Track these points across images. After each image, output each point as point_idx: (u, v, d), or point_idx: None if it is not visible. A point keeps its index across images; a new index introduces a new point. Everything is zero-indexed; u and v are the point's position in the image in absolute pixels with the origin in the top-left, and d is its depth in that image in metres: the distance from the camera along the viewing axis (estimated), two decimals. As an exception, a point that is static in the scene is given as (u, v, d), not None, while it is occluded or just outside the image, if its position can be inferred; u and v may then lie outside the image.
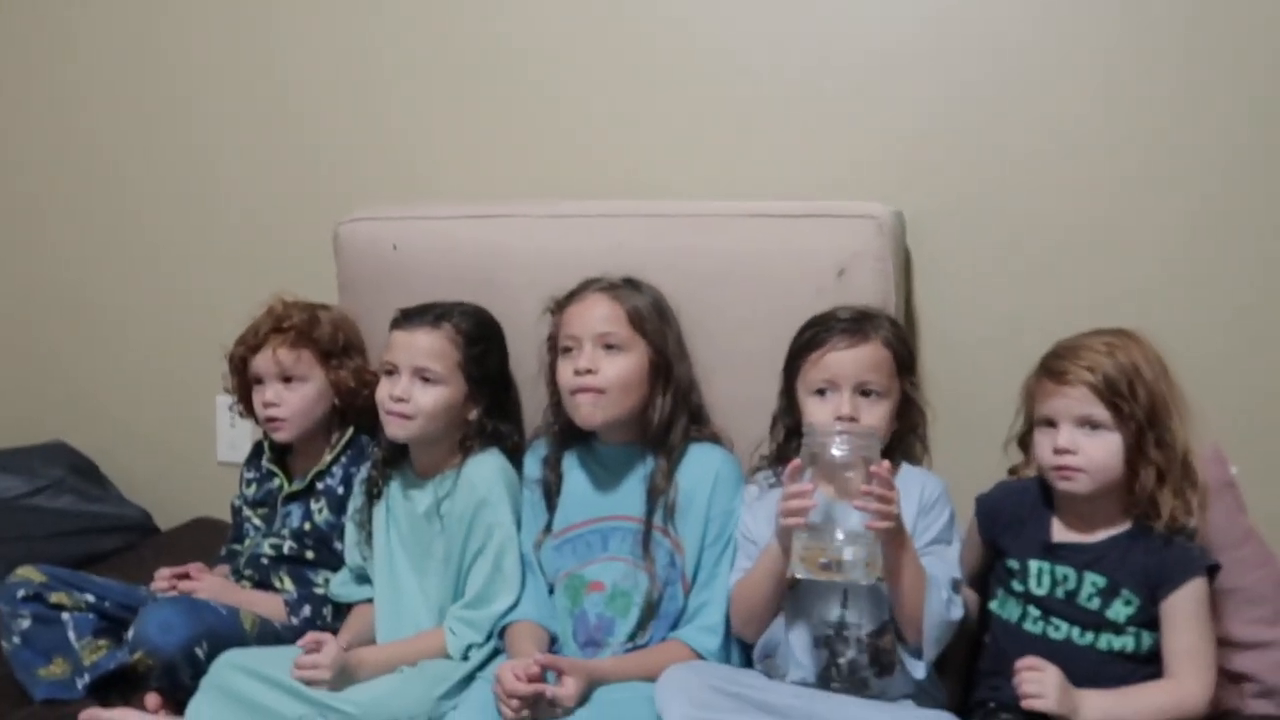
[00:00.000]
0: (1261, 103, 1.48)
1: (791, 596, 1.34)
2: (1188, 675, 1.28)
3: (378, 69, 1.93)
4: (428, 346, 1.50)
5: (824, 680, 1.32)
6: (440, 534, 1.52)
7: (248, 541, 1.69)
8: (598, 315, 1.44)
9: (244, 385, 1.69)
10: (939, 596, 1.26)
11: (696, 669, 1.32)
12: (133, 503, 2.08)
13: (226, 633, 1.44)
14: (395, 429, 1.50)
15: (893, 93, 1.61)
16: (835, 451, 1.21)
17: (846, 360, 1.33)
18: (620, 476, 1.48)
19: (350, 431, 1.68)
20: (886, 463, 1.22)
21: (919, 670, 1.28)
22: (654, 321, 1.46)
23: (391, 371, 1.51)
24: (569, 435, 1.52)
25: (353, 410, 1.68)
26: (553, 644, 1.44)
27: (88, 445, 2.13)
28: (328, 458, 1.67)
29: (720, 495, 1.44)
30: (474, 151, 1.86)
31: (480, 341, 1.54)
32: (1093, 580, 1.32)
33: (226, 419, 2.10)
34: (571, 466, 1.52)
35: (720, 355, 1.55)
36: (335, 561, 1.64)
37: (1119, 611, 1.31)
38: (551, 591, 1.49)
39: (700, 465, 1.45)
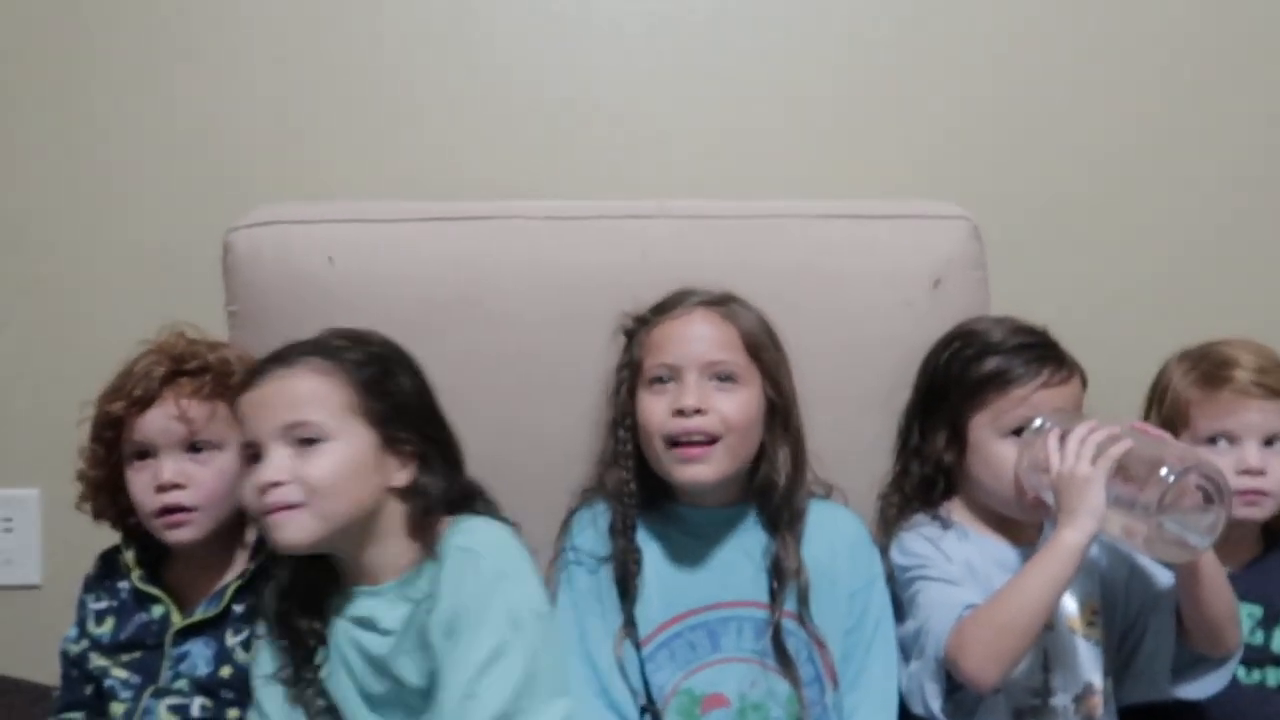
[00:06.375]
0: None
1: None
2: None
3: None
4: (293, 393, 1.02)
5: (1031, 762, 1.07)
6: (422, 658, 1.03)
7: (116, 705, 1.10)
8: (706, 337, 1.10)
9: (109, 464, 1.11)
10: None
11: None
12: None
13: None
14: (290, 533, 1.00)
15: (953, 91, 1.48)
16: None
17: (1059, 399, 1.10)
18: (722, 548, 1.13)
19: (270, 523, 1.16)
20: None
21: (1212, 686, 1.09)
22: (770, 349, 1.14)
23: (255, 456, 1.02)
24: (648, 497, 1.14)
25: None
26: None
27: None
28: (246, 565, 1.14)
29: (859, 567, 1.14)
30: (431, 141, 1.44)
31: (374, 362, 1.08)
32: (1249, 611, 1.21)
33: None
34: (647, 540, 1.14)
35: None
36: None
37: (1281, 641, 1.20)
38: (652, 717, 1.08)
39: (826, 531, 1.14)
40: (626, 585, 1.10)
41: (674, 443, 1.08)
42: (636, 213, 1.29)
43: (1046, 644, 1.09)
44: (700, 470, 1.07)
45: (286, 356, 1.05)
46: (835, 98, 1.48)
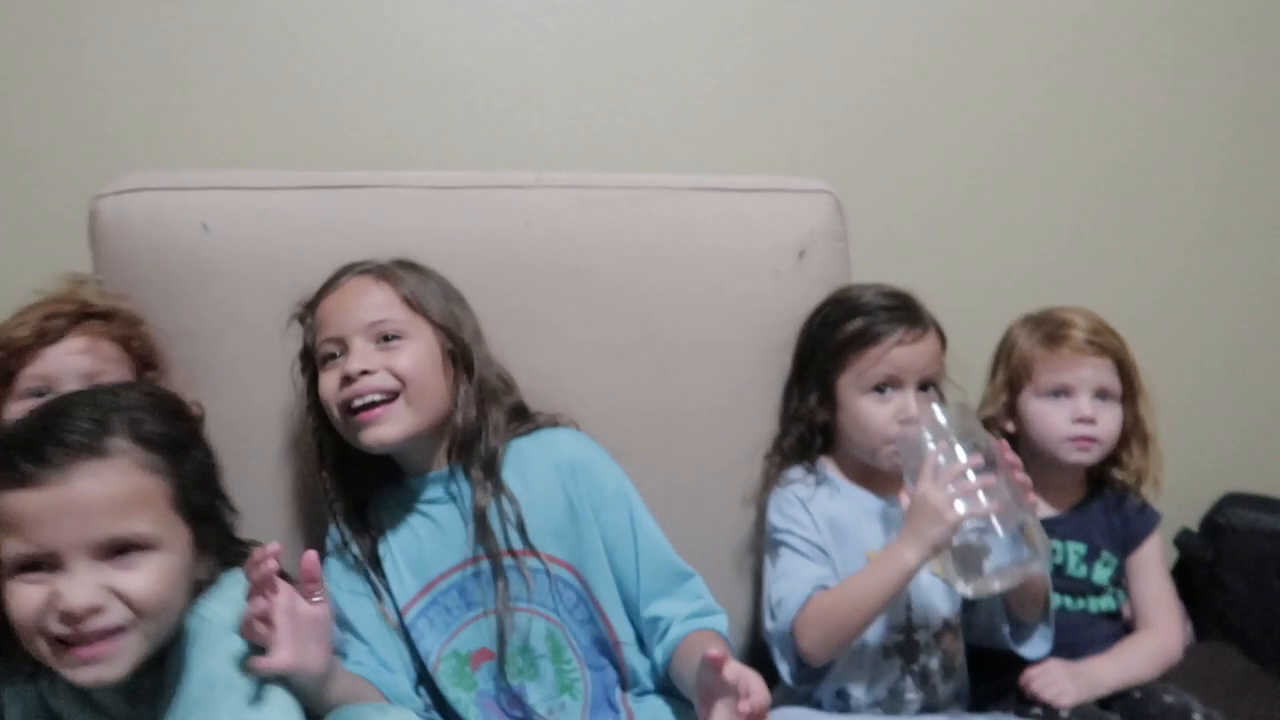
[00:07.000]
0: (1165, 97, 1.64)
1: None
2: (1163, 621, 1.34)
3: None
4: (106, 497, 0.82)
5: (896, 695, 1.19)
6: None
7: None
8: (364, 303, 1.10)
9: None
10: None
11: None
12: None
13: None
14: (106, 671, 0.83)
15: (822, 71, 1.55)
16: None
17: (913, 355, 1.19)
18: (449, 509, 1.13)
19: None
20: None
21: (1042, 647, 1.19)
22: (438, 302, 1.14)
23: (35, 565, 0.82)
24: (367, 478, 1.15)
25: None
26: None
27: None
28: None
29: (594, 482, 1.13)
30: (310, 110, 1.42)
31: (179, 447, 0.90)
32: (1075, 549, 1.35)
33: None
34: (388, 516, 1.15)
35: (664, 351, 1.31)
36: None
37: (1101, 574, 1.34)
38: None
39: (545, 455, 1.14)
40: (370, 569, 1.12)
41: (353, 410, 1.07)
42: (514, 183, 1.31)
43: (911, 588, 1.18)
44: (382, 431, 1.07)
45: (93, 440, 0.83)
46: (710, 78, 1.53)
